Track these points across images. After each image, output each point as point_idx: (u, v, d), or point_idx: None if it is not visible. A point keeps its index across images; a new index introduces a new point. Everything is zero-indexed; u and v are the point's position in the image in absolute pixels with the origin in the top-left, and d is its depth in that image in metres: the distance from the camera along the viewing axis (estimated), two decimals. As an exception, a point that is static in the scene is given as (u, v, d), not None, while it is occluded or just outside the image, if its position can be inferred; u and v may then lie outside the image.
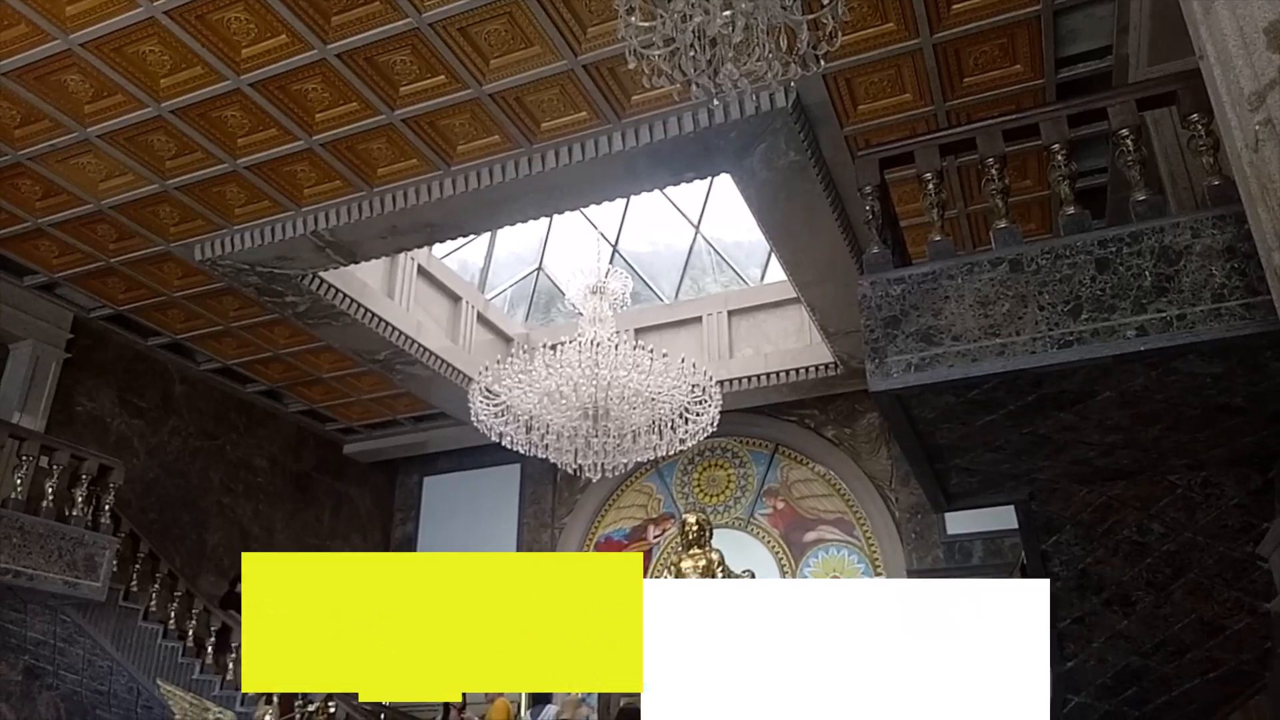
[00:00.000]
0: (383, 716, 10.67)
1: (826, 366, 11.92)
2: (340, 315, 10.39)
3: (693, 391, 9.33)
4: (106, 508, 8.90)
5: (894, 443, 12.25)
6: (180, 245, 9.37)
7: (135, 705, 9.68)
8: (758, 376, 12.31)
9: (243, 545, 12.64)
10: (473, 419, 9.56)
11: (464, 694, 9.31)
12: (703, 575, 10.76)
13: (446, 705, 9.07)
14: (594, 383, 8.86)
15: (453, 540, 14.96)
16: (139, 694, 9.40)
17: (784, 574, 12.92)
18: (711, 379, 9.38)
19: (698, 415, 9.39)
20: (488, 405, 9.38)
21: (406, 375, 12.05)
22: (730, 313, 12.93)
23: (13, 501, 8.05)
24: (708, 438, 9.79)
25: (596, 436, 9.21)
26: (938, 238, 4.77)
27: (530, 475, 14.79)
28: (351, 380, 12.61)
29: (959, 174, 8.13)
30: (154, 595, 9.72)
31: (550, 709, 10.69)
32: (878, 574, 12.43)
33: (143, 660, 9.29)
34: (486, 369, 9.37)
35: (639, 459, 9.52)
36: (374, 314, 10.70)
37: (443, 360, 11.87)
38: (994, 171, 4.82)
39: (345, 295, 10.22)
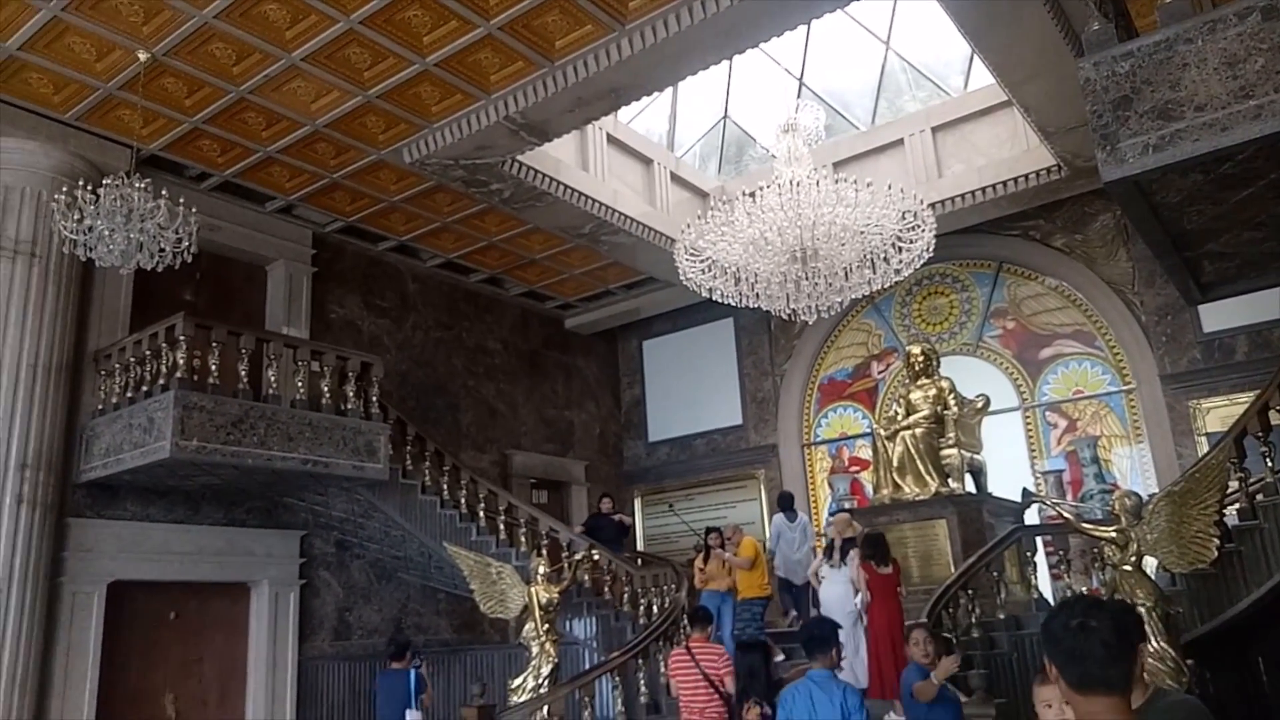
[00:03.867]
0: (639, 562, 11.53)
1: (1048, 171, 11.05)
2: (542, 195, 10.74)
3: (903, 219, 8.94)
4: (374, 399, 9.93)
5: (1134, 239, 11.28)
6: (389, 151, 9.95)
7: (429, 566, 11.02)
8: (972, 193, 11.61)
9: (491, 421, 13.78)
10: (681, 278, 9.70)
11: (717, 530, 9.81)
12: (933, 404, 10.60)
13: (706, 544, 9.59)
14: (798, 224, 8.68)
15: (679, 398, 15.53)
16: (430, 556, 10.67)
17: (1020, 395, 12.48)
18: (921, 202, 8.93)
19: (911, 243, 9.02)
20: (693, 263, 9.45)
21: (612, 245, 12.37)
22: (934, 129, 12.15)
23: (299, 402, 9.15)
24: (924, 265, 9.41)
25: (807, 279, 9.08)
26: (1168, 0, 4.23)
27: (744, 327, 14.95)
28: (562, 257, 13.10)
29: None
30: (426, 472, 10.85)
31: (803, 518, 11.08)
32: (1126, 384, 11.73)
33: (427, 527, 10.48)
34: (688, 226, 9.40)
35: (853, 296, 9.33)
36: (572, 189, 10.97)
37: (643, 225, 12.04)
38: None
39: (543, 175, 10.53)
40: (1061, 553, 10.03)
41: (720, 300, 9.58)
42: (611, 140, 11.96)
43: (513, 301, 14.55)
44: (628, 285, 14.43)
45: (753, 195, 8.82)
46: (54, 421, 8.59)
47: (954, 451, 10.16)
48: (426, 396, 12.88)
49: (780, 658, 9.41)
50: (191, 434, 8.14)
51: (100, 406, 9.07)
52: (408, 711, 6.84)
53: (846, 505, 11.13)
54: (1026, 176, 11.22)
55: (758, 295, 9.33)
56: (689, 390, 15.45)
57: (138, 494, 9.37)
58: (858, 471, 13.47)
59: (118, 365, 9.04)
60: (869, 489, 12.27)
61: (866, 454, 13.12)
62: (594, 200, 11.26)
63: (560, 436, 14.97)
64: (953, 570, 9.00)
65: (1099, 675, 1.95)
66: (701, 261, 9.36)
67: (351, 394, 9.66)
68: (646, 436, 15.84)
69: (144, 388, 8.64)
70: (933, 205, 9.82)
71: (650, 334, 16.02)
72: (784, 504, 11.30)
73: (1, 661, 7.77)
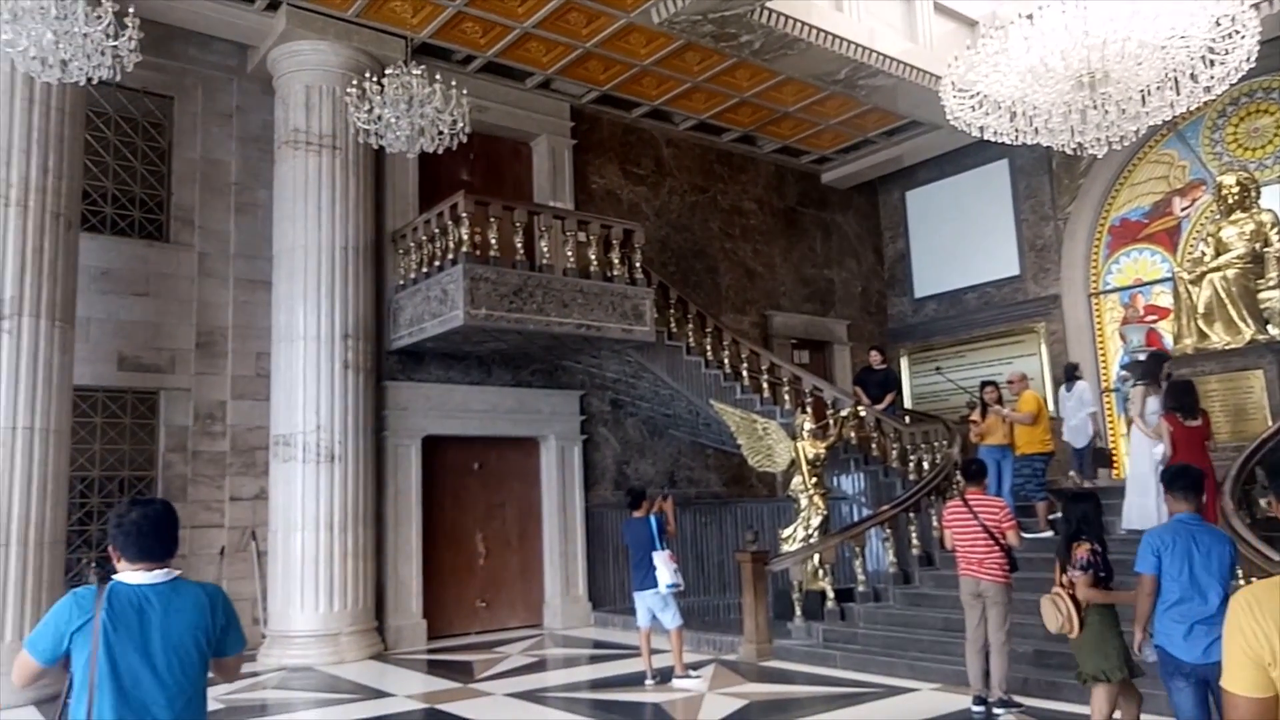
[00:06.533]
0: (907, 420, 11.33)
1: None
2: (794, 42, 10.28)
3: (1216, 25, 7.70)
4: (637, 265, 10.29)
5: None
6: (638, 13, 9.90)
7: (697, 423, 11.50)
8: (1309, -14, 9.72)
9: (749, 283, 13.85)
10: (948, 119, 9.02)
11: (993, 384, 9.42)
12: (1250, 241, 9.34)
13: (982, 399, 9.24)
14: (1085, 45, 7.73)
15: (947, 250, 14.74)
16: (697, 414, 11.11)
17: (1366, 225, 10.63)
18: (1242, 2, 7.62)
19: (1225, 54, 7.76)
20: (963, 100, 8.74)
21: (870, 89, 11.69)
22: (1260, -87, 10.18)
23: (569, 270, 9.68)
24: (1240, 80, 8.10)
25: (1095, 107, 8.13)
26: None
27: (1021, 168, 13.77)
28: (817, 108, 12.60)
29: None
30: (690, 334, 11.18)
31: (1080, 384, 10.41)
32: None
33: (693, 386, 10.88)
34: (955, 60, 8.65)
35: (1152, 123, 8.24)
36: (826, 32, 10.39)
37: (905, 64, 11.22)
38: None
39: (794, 20, 10.04)
40: None
41: (994, 140, 8.82)
42: (866, -26, 11.12)
43: (766, 159, 14.29)
44: (888, 132, 13.67)
45: (1030, 17, 7.94)
46: (366, 296, 9.68)
47: (1275, 294, 8.95)
48: (685, 260, 13.13)
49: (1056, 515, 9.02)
50: (480, 303, 8.89)
51: (401, 281, 10.09)
52: (653, 554, 7.31)
53: (1140, 357, 10.19)
54: (1388, -44, 9.21)
55: (1037, 131, 8.50)
56: (958, 241, 14.60)
57: (439, 359, 10.45)
58: (1155, 321, 12.25)
59: (412, 243, 9.96)
60: (1168, 339, 11.17)
61: (1165, 301, 11.87)
62: (849, 42, 10.61)
63: (820, 296, 14.78)
64: (1270, 424, 8.08)
65: None
66: (972, 98, 8.63)
67: (616, 261, 10.05)
68: (912, 292, 15.27)
69: (436, 263, 9.48)
70: (1256, 5, 8.34)
71: (914, 183, 15.18)
72: (1066, 374, 10.68)
73: (348, 500, 9.15)
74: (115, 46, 6.04)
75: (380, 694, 7.51)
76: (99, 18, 5.89)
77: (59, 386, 7.78)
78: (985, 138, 8.72)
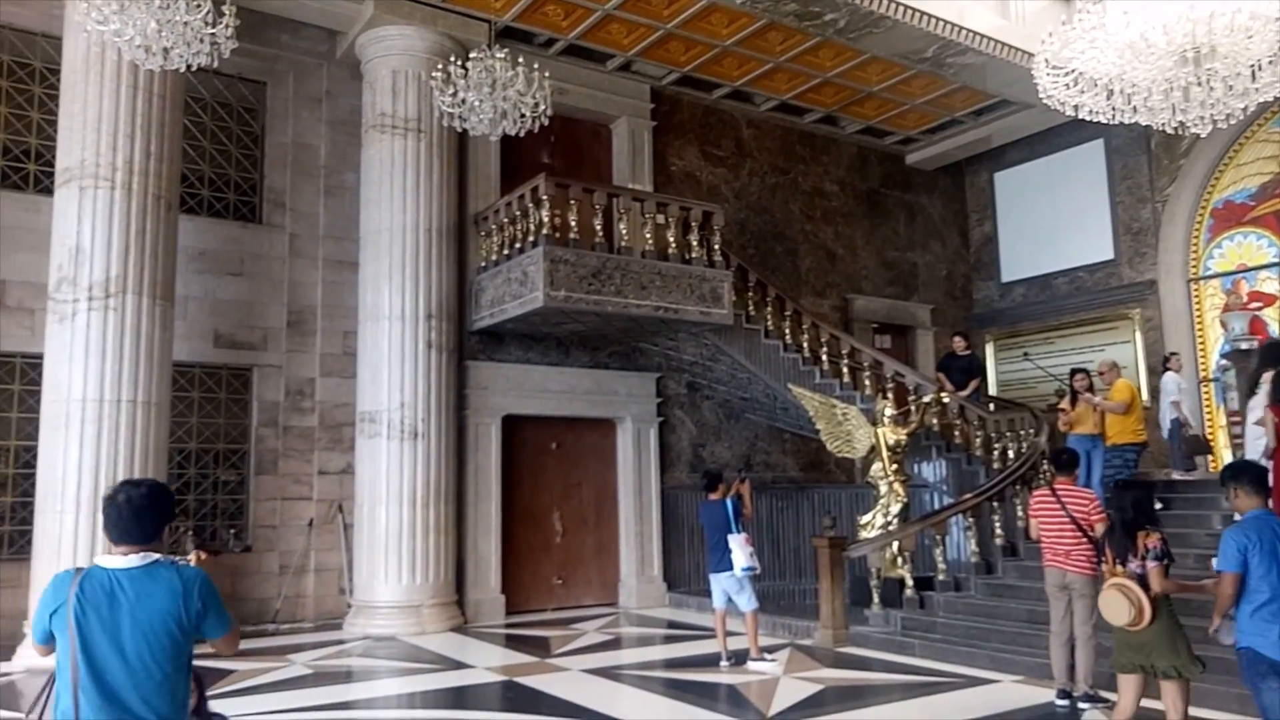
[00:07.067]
0: (992, 407, 11.05)
1: None
2: (879, 20, 10.05)
3: (1336, -6, 7.26)
4: (716, 247, 10.23)
5: None
6: (720, -7, 9.81)
7: (774, 407, 11.42)
8: None
9: (830, 266, 13.66)
10: (1041, 97, 8.71)
11: (1084, 371, 9.12)
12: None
13: (1072, 387, 8.95)
14: (1189, 18, 7.38)
15: (1037, 233, 14.29)
16: (775, 398, 11.04)
17: None
18: (1365, -30, 7.16)
19: (1346, 24, 7.33)
20: (1056, 78, 8.43)
21: (958, 68, 11.37)
22: (1388, -127, 9.53)
23: (648, 252, 9.68)
24: (1363, 51, 7.64)
25: (1200, 83, 7.75)
26: None
27: (1117, 148, 13.25)
28: (902, 87, 12.32)
29: None
30: (768, 317, 11.09)
31: (1168, 375, 10.04)
32: None
33: (771, 370, 10.80)
34: (1049, 36, 8.34)
35: (1262, 100, 7.84)
36: (912, 8, 10.11)
37: (995, 41, 10.85)
38: None
39: (881, -3, 9.81)
40: None
41: (1089, 119, 8.50)
42: (957, -52, 10.79)
43: (849, 140, 14.04)
44: (976, 112, 13.28)
45: (1131, -10, 7.61)
46: (448, 278, 9.85)
47: (1395, 280, 8.44)
48: (765, 243, 13.01)
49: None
50: (559, 285, 8.97)
51: (482, 263, 10.25)
52: (729, 536, 7.30)
53: (1243, 346, 9.73)
54: None
55: (1135, 109, 8.14)
56: (1049, 224, 14.14)
57: (519, 340, 10.60)
58: (1260, 307, 11.69)
59: (494, 226, 10.10)
60: (1274, 327, 10.64)
61: (1271, 287, 11.32)
62: (937, 19, 10.32)
63: (903, 279, 14.49)
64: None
65: None
66: (1066, 75, 8.31)
67: (695, 243, 10.02)
68: (999, 276, 14.86)
69: (517, 244, 9.60)
70: (1383, -28, 7.81)
71: (1003, 164, 14.74)
72: (1163, 364, 10.31)
73: (430, 476, 9.37)
74: (213, 34, 6.25)
75: (460, 665, 7.69)
76: (198, 6, 6.10)
77: (160, 362, 8.13)
78: (1080, 117, 8.41)
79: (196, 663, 2.64)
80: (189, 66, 6.41)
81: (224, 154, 10.12)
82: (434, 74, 7.95)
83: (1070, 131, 13.04)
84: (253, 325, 9.86)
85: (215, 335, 9.64)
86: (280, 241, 10.11)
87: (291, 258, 10.12)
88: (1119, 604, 4.56)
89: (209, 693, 3.64)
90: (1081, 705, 5.90)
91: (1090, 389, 8.88)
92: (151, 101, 8.17)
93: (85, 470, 7.55)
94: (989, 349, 14.64)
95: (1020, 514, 8.50)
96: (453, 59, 8.02)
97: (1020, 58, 10.66)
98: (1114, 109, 8.30)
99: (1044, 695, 6.17)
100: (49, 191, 8.44)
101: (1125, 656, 4.66)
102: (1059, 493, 6.04)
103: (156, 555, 2.51)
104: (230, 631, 2.63)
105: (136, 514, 2.50)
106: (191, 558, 2.81)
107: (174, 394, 8.77)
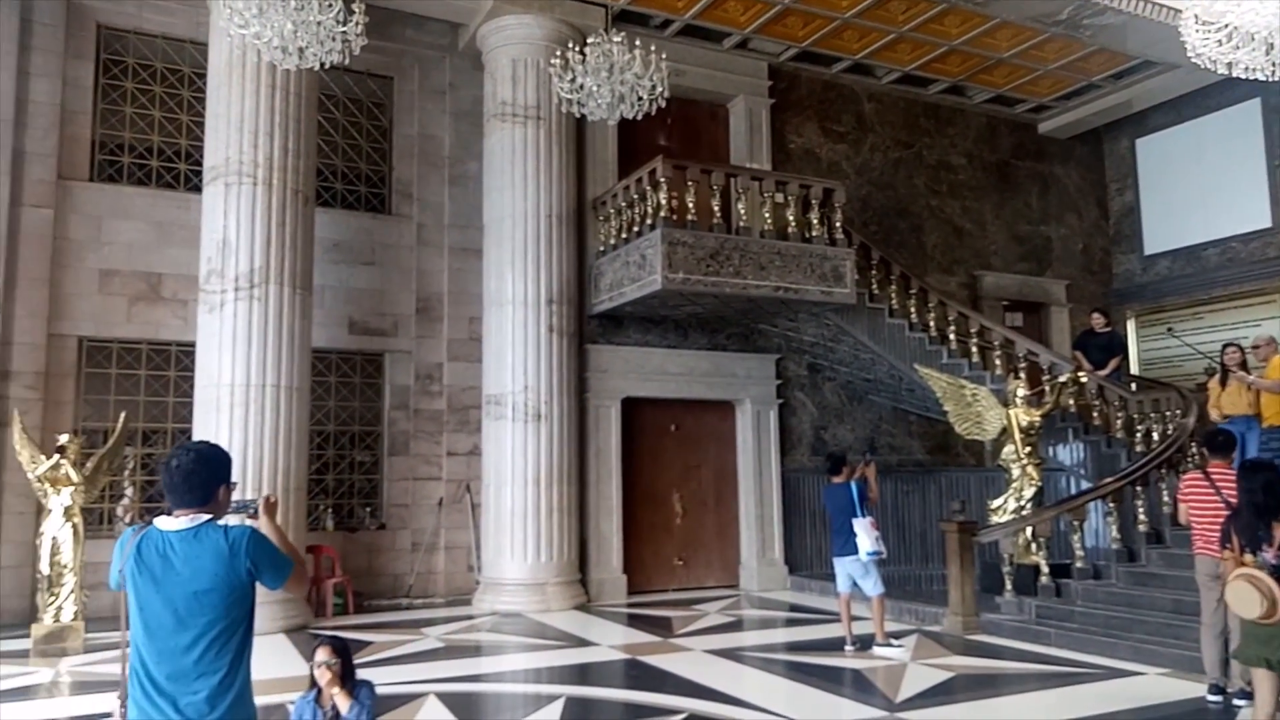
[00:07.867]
0: (1134, 387, 10.46)
1: None
2: (1010, -18, 9.59)
3: None
4: (837, 225, 10.01)
5: None
6: (840, -36, 9.56)
7: (899, 389, 11.13)
8: None
9: (957, 241, 13.18)
10: (1190, 56, 8.14)
11: (1237, 346, 8.49)
12: None
13: (1223, 363, 8.35)
14: (1363, -41, 6.75)
15: (1184, 202, 13.41)
16: (900, 379, 10.75)
17: None
18: None
19: None
20: (1207, 34, 7.86)
21: (1096, 29, 10.73)
22: None
23: (767, 232, 9.57)
24: None
25: (1373, 31, 7.10)
26: None
27: (1276, 107, 12.28)
28: (1034, 53, 11.74)
29: None
30: (893, 295, 10.80)
31: None
32: None
33: (896, 350, 10.52)
34: (1200, -11, 7.79)
35: None
36: (1047, -31, 9.63)
37: (1138, -2, 10.22)
38: None
39: (1011, -42, 9.36)
40: None
41: (1244, 77, 7.91)
42: (1094, -99, 10.17)
43: (977, 110, 13.48)
44: (1115, 75, 12.54)
45: (1294, -68, 7.01)
46: (568, 262, 9.99)
47: None
48: (888, 219, 12.66)
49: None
50: (677, 267, 8.97)
51: (601, 248, 10.34)
52: (854, 520, 7.14)
53: None
54: None
55: (1298, 63, 7.54)
56: (1197, 192, 13.24)
57: (637, 323, 10.66)
58: None
59: (612, 210, 10.17)
60: None
61: None
62: (1073, -22, 9.79)
63: (1035, 254, 13.86)
64: None
65: None
66: (1218, 31, 7.75)
67: (815, 221, 9.83)
68: (1141, 249, 14.01)
69: (635, 228, 9.64)
70: None
71: (1145, 130, 13.88)
72: None
73: (553, 458, 9.56)
74: (344, 32, 6.48)
75: (585, 642, 7.84)
76: (330, 5, 6.35)
77: (300, 348, 8.58)
78: (1234, 75, 7.83)
79: (342, 634, 2.73)
80: (322, 65, 6.68)
81: (355, 148, 10.54)
82: (552, 61, 8.03)
83: (1221, 92, 12.15)
84: (384, 312, 10.26)
85: (350, 322, 10.09)
86: (408, 231, 10.47)
87: (419, 246, 10.47)
88: (1249, 596, 4.28)
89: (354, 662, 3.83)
90: (1237, 703, 5.53)
91: (1243, 365, 8.27)
92: (288, 100, 8.58)
93: (234, 451, 8.00)
94: (1130, 326, 13.85)
95: (1166, 499, 8.03)
96: (570, 45, 8.09)
97: (1166, 14, 9.98)
98: (1274, 64, 7.70)
99: (1193, 690, 5.82)
100: (198, 189, 9.00)
101: (1251, 649, 4.40)
102: (1213, 477, 5.67)
103: (208, 516, 2.53)
104: (291, 577, 2.63)
105: (186, 478, 2.53)
106: (261, 503, 2.85)
107: (313, 379, 9.22)
